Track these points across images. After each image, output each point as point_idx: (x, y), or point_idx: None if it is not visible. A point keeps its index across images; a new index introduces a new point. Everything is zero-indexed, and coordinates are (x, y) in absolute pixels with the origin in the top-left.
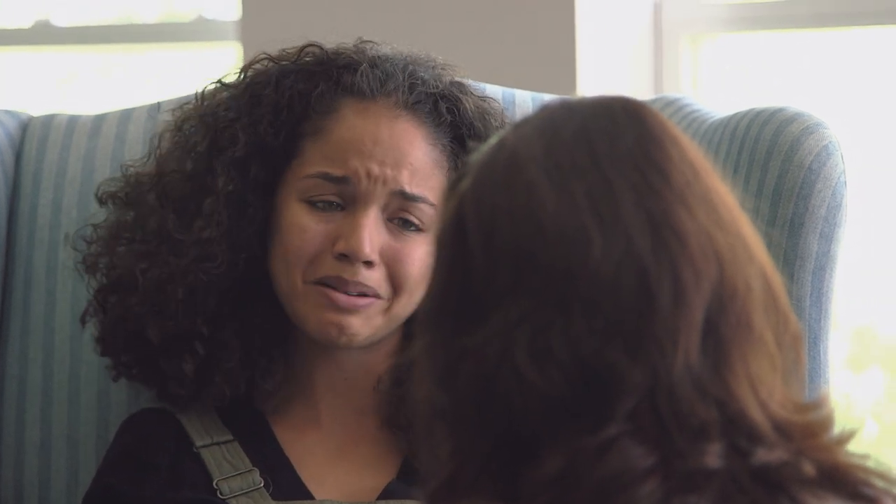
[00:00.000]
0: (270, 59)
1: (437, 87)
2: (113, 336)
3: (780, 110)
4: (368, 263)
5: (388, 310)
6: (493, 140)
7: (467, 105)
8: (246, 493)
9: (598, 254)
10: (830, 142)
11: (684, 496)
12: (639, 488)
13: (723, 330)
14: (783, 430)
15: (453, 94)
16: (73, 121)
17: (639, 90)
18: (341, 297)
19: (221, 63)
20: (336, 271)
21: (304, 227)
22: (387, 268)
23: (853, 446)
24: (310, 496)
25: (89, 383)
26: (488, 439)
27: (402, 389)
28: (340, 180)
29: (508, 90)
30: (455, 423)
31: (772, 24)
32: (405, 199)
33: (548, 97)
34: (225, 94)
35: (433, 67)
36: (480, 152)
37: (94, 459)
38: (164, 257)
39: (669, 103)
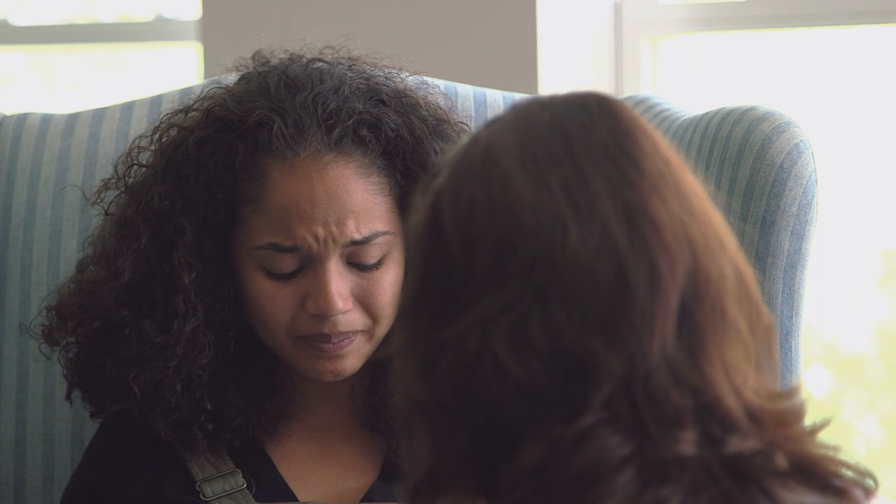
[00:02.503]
0: (178, 126)
1: (353, 114)
2: (112, 428)
3: (751, 109)
4: (344, 312)
5: (371, 336)
6: (465, 138)
7: (387, 118)
8: (229, 494)
9: (575, 242)
10: (801, 140)
11: (658, 487)
12: (615, 479)
13: (698, 316)
14: (756, 418)
15: (371, 115)
16: (46, 120)
17: (599, 90)
18: (328, 347)
19: (181, 63)
20: (316, 329)
21: (270, 295)
22: (361, 305)
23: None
24: (293, 497)
25: (64, 381)
26: (468, 431)
27: (378, 392)
28: (291, 249)
29: (479, 90)
30: (434, 415)
31: (730, 25)
32: (357, 244)
33: (519, 96)
34: (149, 173)
35: (340, 88)
36: (454, 150)
37: (70, 456)
38: (151, 362)
39: (639, 102)
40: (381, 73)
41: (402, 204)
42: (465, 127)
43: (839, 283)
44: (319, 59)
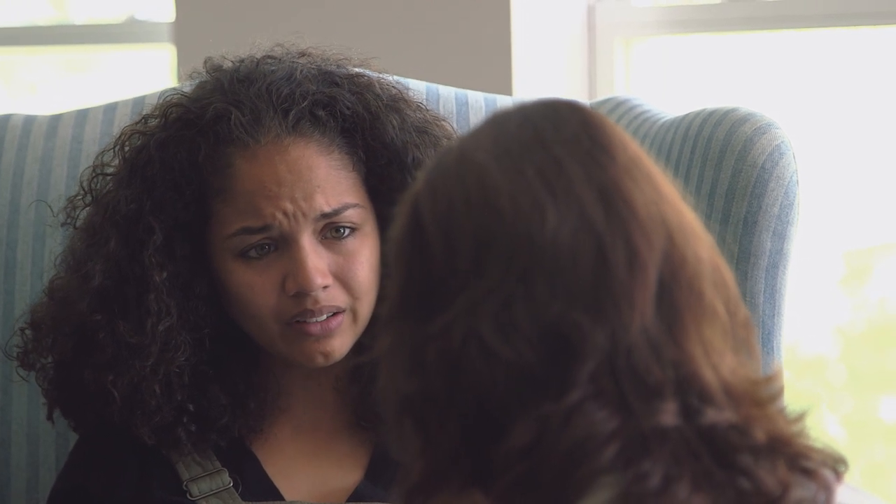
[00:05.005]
0: (139, 133)
1: (306, 97)
2: (97, 431)
3: (733, 110)
4: (324, 287)
5: (354, 316)
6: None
7: (341, 97)
8: (215, 493)
9: (554, 224)
10: (782, 141)
11: (639, 462)
12: (602, 453)
13: (675, 295)
14: (732, 395)
15: (324, 95)
16: (29, 121)
17: (573, 92)
18: (315, 328)
19: (154, 65)
20: (300, 307)
21: (250, 283)
22: (339, 281)
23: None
24: (279, 496)
25: None
26: (458, 422)
27: (362, 387)
28: (262, 229)
29: (461, 91)
30: (424, 410)
31: (702, 28)
32: (328, 217)
33: (500, 98)
34: (114, 181)
35: (292, 75)
36: (430, 161)
37: (54, 456)
38: (127, 363)
39: (619, 104)
40: (333, 62)
41: (367, 181)
42: (422, 105)
43: (801, 284)
44: (269, 56)
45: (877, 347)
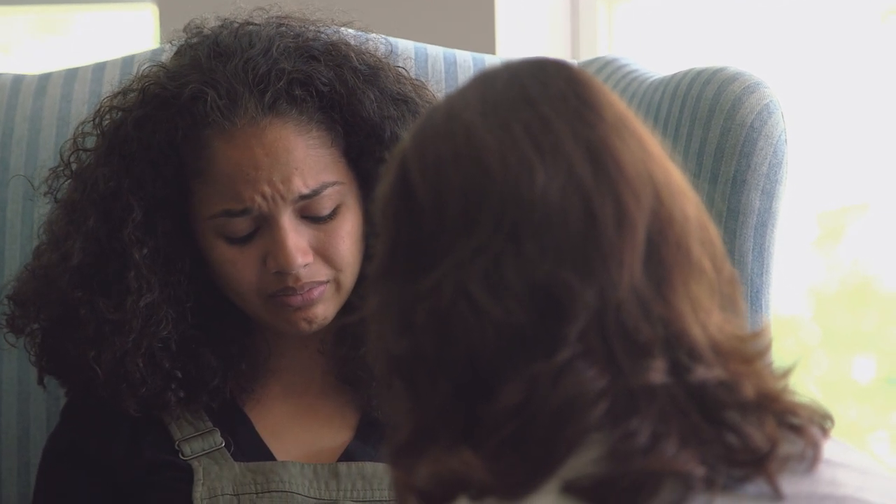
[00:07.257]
0: (118, 108)
1: (282, 75)
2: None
3: (721, 70)
4: (305, 265)
5: (338, 286)
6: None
7: (318, 74)
8: (207, 453)
9: (542, 182)
10: (771, 100)
11: (627, 420)
12: (591, 412)
13: (663, 253)
14: (720, 352)
15: (301, 73)
16: (17, 80)
17: (556, 52)
18: (296, 300)
19: (137, 25)
20: (281, 285)
21: (233, 260)
22: (321, 256)
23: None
24: (271, 456)
25: None
26: (448, 381)
27: (348, 347)
28: (242, 212)
29: (449, 51)
30: (413, 368)
31: None
32: (307, 198)
33: (489, 58)
34: (93, 156)
35: (269, 50)
36: (418, 119)
37: (45, 415)
38: (109, 339)
39: (607, 63)
40: (312, 29)
41: (348, 154)
42: (404, 71)
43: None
44: (249, 23)
45: (850, 308)
